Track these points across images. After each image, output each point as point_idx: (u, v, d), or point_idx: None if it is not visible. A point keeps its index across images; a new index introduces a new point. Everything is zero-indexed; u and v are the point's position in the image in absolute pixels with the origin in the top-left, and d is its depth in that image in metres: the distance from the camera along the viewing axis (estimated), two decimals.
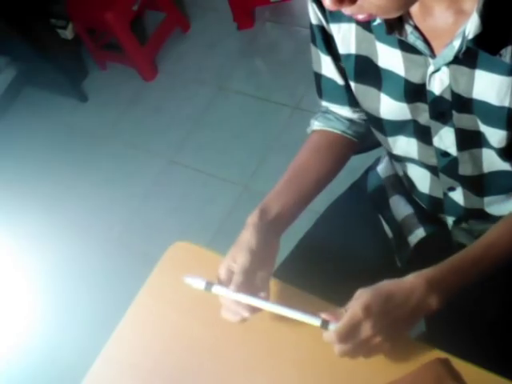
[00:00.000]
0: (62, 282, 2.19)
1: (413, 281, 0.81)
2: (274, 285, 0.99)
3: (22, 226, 2.35)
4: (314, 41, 0.97)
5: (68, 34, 2.80)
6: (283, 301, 0.97)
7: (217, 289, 0.89)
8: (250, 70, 2.61)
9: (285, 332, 0.94)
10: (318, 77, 1.01)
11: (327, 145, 1.05)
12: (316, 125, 1.06)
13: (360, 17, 0.70)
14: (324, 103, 1.06)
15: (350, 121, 1.05)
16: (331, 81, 0.99)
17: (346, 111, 1.04)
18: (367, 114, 0.95)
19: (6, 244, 2.32)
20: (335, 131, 1.04)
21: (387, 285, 0.82)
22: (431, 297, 0.80)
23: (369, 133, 1.07)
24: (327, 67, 0.98)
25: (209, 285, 0.89)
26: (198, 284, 0.90)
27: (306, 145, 1.06)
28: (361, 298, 0.80)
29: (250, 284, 0.87)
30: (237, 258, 0.89)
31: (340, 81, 0.98)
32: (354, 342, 0.80)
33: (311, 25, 0.94)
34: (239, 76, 2.57)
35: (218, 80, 2.59)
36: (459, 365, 0.84)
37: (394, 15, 0.72)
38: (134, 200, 2.38)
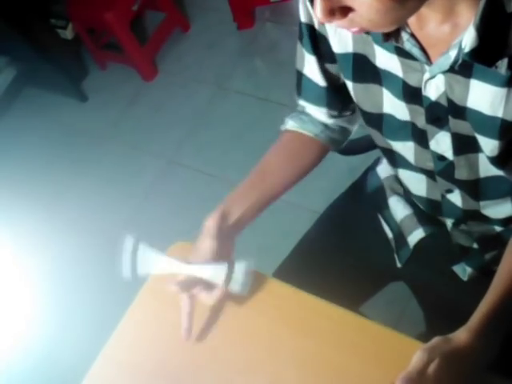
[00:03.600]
0: (62, 282, 2.19)
1: (468, 340, 0.77)
2: (274, 285, 0.99)
3: (23, 225, 2.34)
4: (301, 39, 0.96)
5: (68, 34, 2.80)
6: (283, 300, 0.97)
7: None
8: (250, 69, 2.61)
9: (285, 332, 0.94)
10: (300, 75, 1.01)
11: (298, 147, 1.05)
12: (290, 124, 1.05)
13: (353, 30, 0.69)
14: (301, 102, 1.05)
15: (325, 125, 1.04)
16: (312, 82, 0.99)
17: (321, 115, 1.03)
18: (367, 114, 0.94)
19: (7, 243, 2.32)
20: (308, 133, 1.04)
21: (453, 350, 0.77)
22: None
23: (342, 139, 1.07)
24: (310, 67, 0.98)
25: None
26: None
27: (275, 145, 1.06)
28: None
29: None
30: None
31: (321, 82, 0.98)
32: None
33: (300, 22, 0.93)
34: (239, 76, 2.57)
35: (218, 80, 2.59)
36: None
37: (387, 30, 0.71)
38: (134, 200, 2.38)
